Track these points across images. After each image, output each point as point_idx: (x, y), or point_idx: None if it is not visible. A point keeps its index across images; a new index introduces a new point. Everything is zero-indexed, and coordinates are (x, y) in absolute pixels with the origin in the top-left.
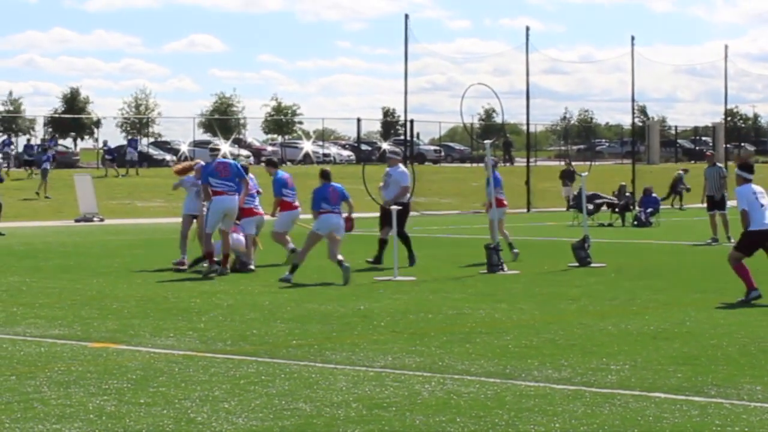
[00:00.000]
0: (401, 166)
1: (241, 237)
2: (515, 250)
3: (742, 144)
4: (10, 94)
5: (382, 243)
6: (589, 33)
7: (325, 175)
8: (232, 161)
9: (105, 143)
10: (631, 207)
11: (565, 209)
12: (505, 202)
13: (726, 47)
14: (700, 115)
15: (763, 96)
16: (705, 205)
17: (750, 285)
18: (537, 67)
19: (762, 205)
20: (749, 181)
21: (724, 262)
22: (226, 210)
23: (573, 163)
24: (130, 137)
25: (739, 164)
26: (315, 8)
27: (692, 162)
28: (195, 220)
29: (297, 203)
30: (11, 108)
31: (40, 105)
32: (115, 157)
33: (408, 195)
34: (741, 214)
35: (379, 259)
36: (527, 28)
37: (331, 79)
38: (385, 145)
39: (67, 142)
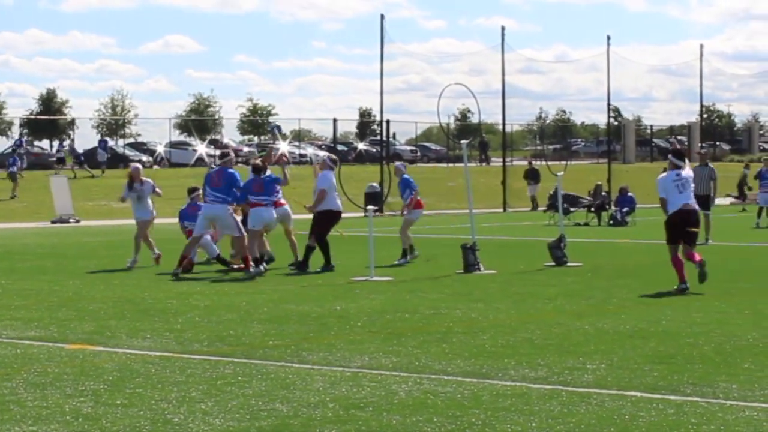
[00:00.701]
0: (328, 172)
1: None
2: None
3: (718, 143)
4: None
5: (309, 249)
6: (564, 33)
7: (255, 169)
8: (230, 170)
9: (67, 145)
10: (607, 206)
11: (530, 209)
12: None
13: (701, 46)
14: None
15: (738, 95)
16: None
17: (681, 278)
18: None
19: (680, 190)
20: (678, 167)
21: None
22: (212, 217)
23: (549, 163)
24: (99, 139)
25: (672, 150)
26: (290, 9)
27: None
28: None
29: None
30: None
31: (16, 106)
32: (82, 160)
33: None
34: (660, 201)
35: (304, 265)
36: (503, 28)
37: (307, 80)
38: (361, 146)
39: (44, 143)
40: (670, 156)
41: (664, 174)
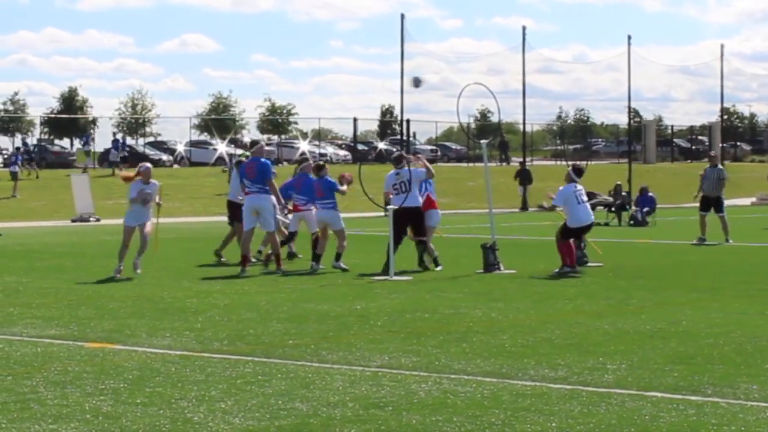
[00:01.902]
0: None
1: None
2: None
3: (738, 143)
4: (16, 94)
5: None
6: (582, 32)
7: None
8: (262, 160)
9: (21, 146)
10: (627, 206)
11: (518, 209)
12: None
13: (722, 46)
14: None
15: (758, 95)
16: (698, 204)
17: (565, 262)
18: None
19: (580, 203)
20: (575, 182)
21: (721, 261)
22: (257, 208)
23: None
24: (113, 138)
25: (573, 167)
26: (306, 8)
27: (689, 161)
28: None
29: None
30: (11, 108)
31: (34, 105)
32: (32, 158)
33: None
34: (554, 208)
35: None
36: (524, 28)
37: (324, 79)
38: (381, 145)
39: (64, 142)
40: (570, 171)
41: (565, 186)
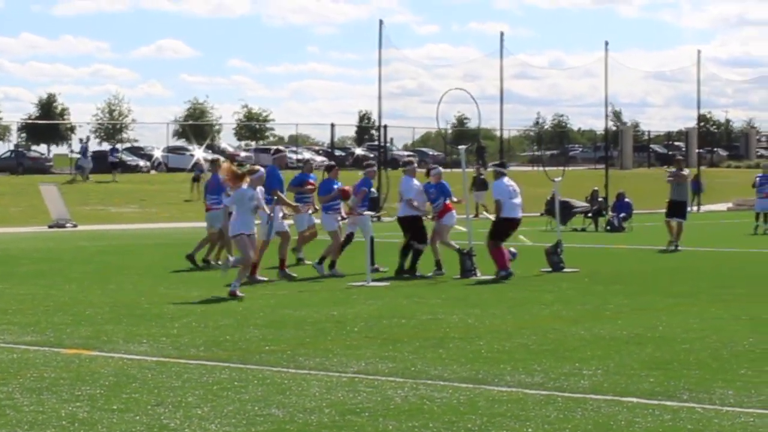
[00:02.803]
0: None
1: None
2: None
3: (715, 149)
4: None
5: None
6: (558, 38)
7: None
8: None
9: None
10: (604, 212)
11: (475, 216)
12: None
13: (699, 52)
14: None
15: (734, 101)
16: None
17: (499, 266)
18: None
19: (512, 198)
20: (504, 175)
21: (697, 267)
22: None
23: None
24: (80, 145)
25: (497, 162)
26: (282, 13)
27: (665, 167)
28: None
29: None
30: None
31: (10, 111)
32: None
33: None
34: (495, 203)
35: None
36: (501, 34)
37: (301, 84)
38: (359, 150)
39: (42, 148)
40: (494, 167)
41: (496, 181)
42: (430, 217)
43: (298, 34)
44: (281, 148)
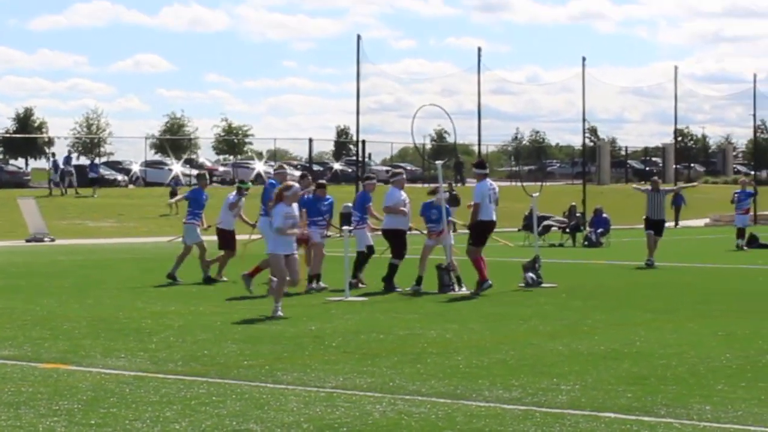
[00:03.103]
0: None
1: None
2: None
3: (692, 165)
4: None
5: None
6: (535, 54)
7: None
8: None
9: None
10: (582, 227)
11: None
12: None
13: (676, 68)
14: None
15: (711, 116)
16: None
17: (482, 277)
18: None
19: (491, 201)
20: (486, 176)
21: (675, 282)
22: (261, 230)
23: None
24: (52, 159)
25: (475, 163)
26: (260, 28)
27: (643, 182)
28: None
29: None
30: None
31: None
32: None
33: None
34: (474, 206)
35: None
36: (479, 49)
37: (279, 99)
38: (337, 165)
39: (20, 162)
40: (476, 168)
41: (479, 183)
42: (425, 232)
43: (276, 49)
44: (284, 165)
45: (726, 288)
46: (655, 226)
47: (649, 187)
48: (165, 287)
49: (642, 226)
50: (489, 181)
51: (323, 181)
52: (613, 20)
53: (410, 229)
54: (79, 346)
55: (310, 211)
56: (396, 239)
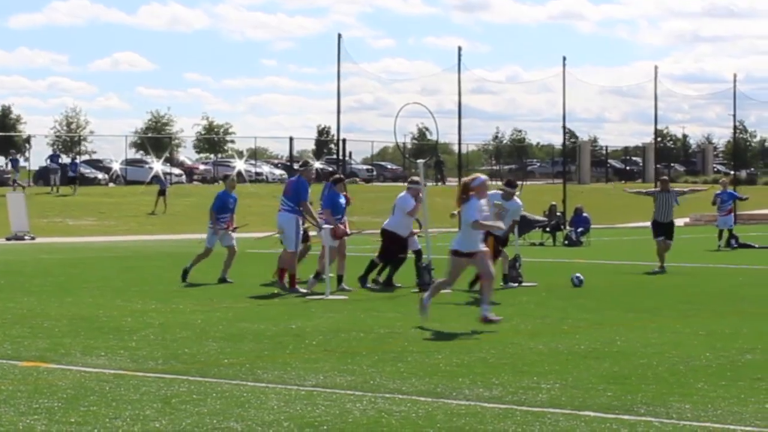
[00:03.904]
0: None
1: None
2: None
3: (672, 164)
4: None
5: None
6: (515, 53)
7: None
8: (295, 178)
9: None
10: (562, 226)
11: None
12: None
13: (656, 68)
14: (628, 135)
15: (690, 116)
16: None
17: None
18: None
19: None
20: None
21: (657, 281)
22: (279, 225)
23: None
24: (10, 157)
25: (505, 182)
26: (240, 27)
27: (623, 182)
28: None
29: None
30: None
31: None
32: None
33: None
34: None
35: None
36: (459, 48)
37: (260, 98)
38: (318, 164)
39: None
40: (507, 187)
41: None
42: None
43: (256, 48)
44: (308, 160)
45: (707, 288)
46: (664, 229)
47: (656, 188)
48: (145, 286)
49: (639, 225)
50: (517, 199)
51: (340, 176)
52: (593, 20)
53: (411, 234)
54: (59, 345)
55: (334, 209)
56: (390, 241)
